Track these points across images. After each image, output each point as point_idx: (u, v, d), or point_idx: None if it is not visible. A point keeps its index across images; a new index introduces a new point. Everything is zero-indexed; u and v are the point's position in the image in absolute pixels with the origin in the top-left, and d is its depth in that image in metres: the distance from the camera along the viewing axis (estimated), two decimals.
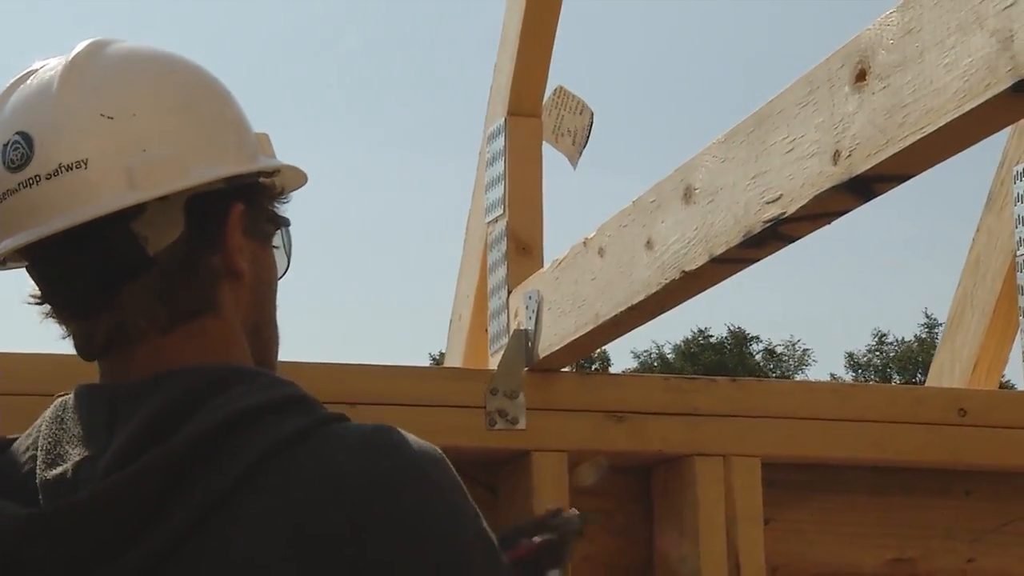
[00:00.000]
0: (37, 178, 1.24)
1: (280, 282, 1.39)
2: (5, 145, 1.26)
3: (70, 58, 1.29)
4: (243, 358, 1.27)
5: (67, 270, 1.26)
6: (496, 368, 2.10)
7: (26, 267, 1.30)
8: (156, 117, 1.26)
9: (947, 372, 2.59)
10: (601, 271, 1.87)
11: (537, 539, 1.57)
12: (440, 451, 1.19)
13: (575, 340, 1.96)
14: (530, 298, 2.12)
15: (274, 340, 1.34)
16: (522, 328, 2.10)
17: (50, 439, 1.22)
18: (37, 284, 1.29)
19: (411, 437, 1.20)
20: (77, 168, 1.24)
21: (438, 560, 1.14)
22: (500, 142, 2.27)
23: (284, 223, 1.38)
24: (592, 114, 2.17)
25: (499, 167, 2.26)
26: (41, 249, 1.27)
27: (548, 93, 2.25)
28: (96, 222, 1.23)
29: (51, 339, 1.33)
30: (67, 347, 1.31)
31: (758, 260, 1.61)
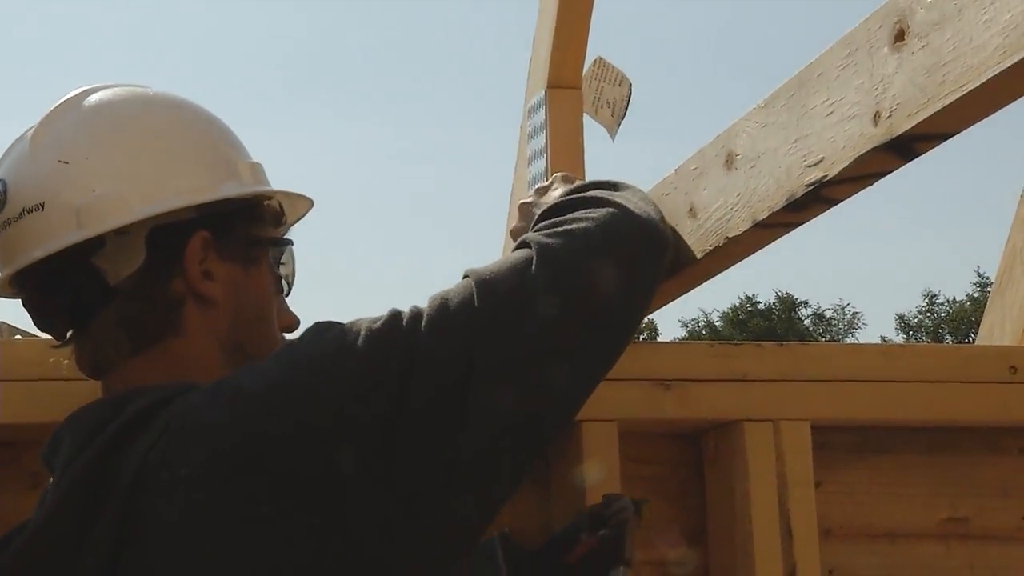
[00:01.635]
0: (8, 222, 1.36)
1: (294, 293, 1.47)
2: None
3: (48, 110, 1.40)
4: (206, 372, 1.33)
5: (42, 305, 1.38)
6: None
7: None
8: (106, 159, 1.35)
9: (997, 330, 2.58)
10: None
11: (595, 536, 1.57)
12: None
13: None
14: None
15: (262, 354, 1.37)
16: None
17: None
18: (27, 313, 1.41)
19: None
20: (36, 211, 1.34)
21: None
22: (541, 115, 2.27)
23: (277, 244, 1.45)
24: (631, 85, 2.18)
25: (540, 140, 2.27)
26: (18, 286, 1.38)
27: (587, 64, 2.25)
28: (58, 261, 1.34)
29: None
30: None
31: (801, 224, 1.61)
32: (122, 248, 1.34)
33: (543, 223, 1.42)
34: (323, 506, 1.14)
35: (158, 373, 1.33)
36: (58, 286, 1.35)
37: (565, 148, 2.27)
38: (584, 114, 2.26)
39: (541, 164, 2.28)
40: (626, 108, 2.21)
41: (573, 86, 2.26)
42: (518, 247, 1.36)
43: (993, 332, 2.58)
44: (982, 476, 2.24)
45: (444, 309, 1.26)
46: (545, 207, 1.50)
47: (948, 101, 1.27)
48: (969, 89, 1.24)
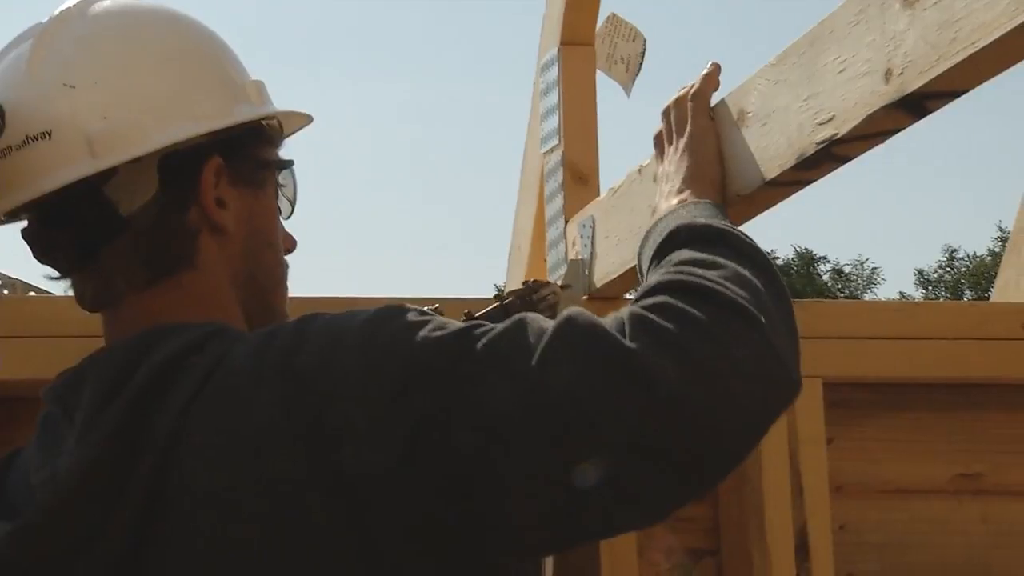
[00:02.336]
0: (9, 149, 1.28)
1: (295, 220, 1.40)
2: None
3: (43, 27, 1.31)
4: (223, 308, 1.29)
5: (47, 237, 1.30)
6: None
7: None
8: (118, 83, 1.28)
9: (1012, 286, 2.57)
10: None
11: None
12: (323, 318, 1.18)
13: (632, 268, 1.97)
14: (584, 226, 2.12)
15: (273, 284, 1.35)
16: (578, 258, 2.11)
17: (35, 445, 1.25)
18: (28, 246, 1.33)
19: (295, 320, 1.20)
20: (42, 139, 1.26)
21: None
22: (554, 72, 2.26)
23: (281, 166, 1.38)
24: (645, 41, 2.16)
25: (553, 97, 2.26)
26: (22, 216, 1.32)
27: (600, 20, 2.24)
28: (67, 190, 1.26)
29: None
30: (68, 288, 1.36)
31: (812, 181, 1.60)
32: (134, 177, 1.27)
33: (666, 289, 1.18)
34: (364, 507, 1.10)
35: (173, 309, 1.28)
36: (65, 218, 1.28)
37: (578, 105, 2.25)
38: (598, 71, 2.25)
39: (554, 121, 2.27)
40: (640, 64, 2.19)
41: (586, 43, 2.25)
42: (643, 313, 1.13)
43: (1008, 288, 2.57)
44: (995, 432, 2.24)
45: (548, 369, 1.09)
46: (663, 233, 1.36)
47: (960, 58, 1.26)
48: (981, 46, 1.23)
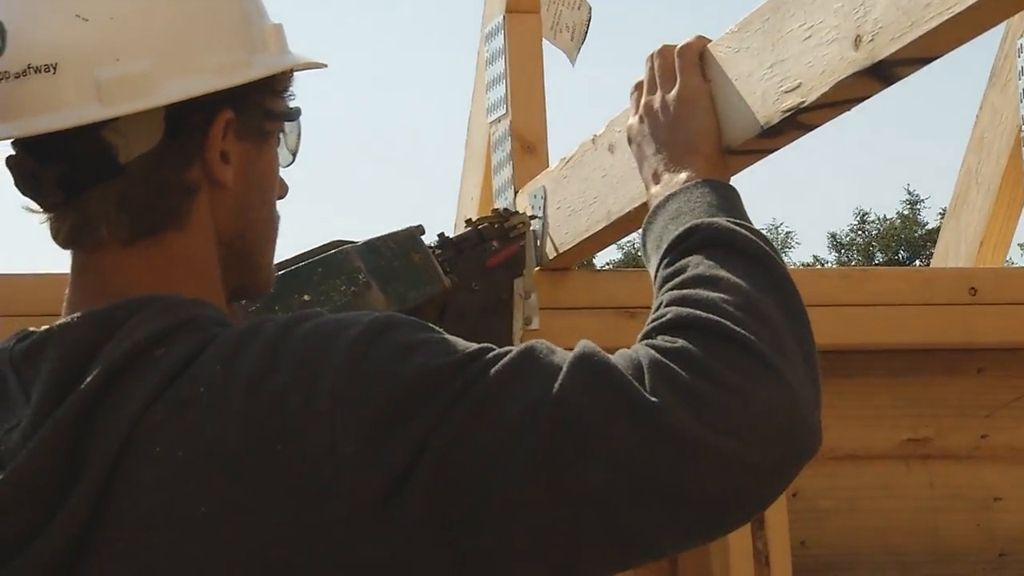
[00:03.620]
0: (7, 75, 1.18)
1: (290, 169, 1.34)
2: None
3: None
4: (203, 274, 1.23)
5: (33, 170, 1.20)
6: None
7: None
8: (135, 22, 1.19)
9: (952, 252, 2.59)
10: (612, 168, 1.85)
11: (506, 248, 1.89)
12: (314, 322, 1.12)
13: (587, 239, 1.95)
14: (536, 197, 2.10)
15: (262, 241, 1.28)
16: (531, 229, 2.09)
17: None
18: (10, 173, 1.23)
19: (283, 318, 1.14)
20: (46, 72, 1.17)
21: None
22: (499, 40, 2.23)
23: (288, 117, 1.30)
24: (590, 9, 2.14)
25: (499, 66, 2.23)
26: (10, 144, 1.22)
27: None
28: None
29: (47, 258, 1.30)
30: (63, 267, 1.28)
31: (775, 150, 1.59)
32: (138, 124, 1.18)
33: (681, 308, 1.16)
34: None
35: (151, 274, 1.19)
36: (58, 153, 1.18)
37: (524, 73, 2.23)
38: (543, 39, 2.22)
39: (500, 90, 2.24)
40: (586, 32, 2.17)
41: (532, 10, 2.22)
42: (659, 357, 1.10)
43: (948, 253, 2.60)
44: (941, 397, 2.27)
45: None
46: (672, 237, 1.30)
47: (933, 24, 1.25)
48: (956, 12, 1.22)
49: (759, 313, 1.15)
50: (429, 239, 1.88)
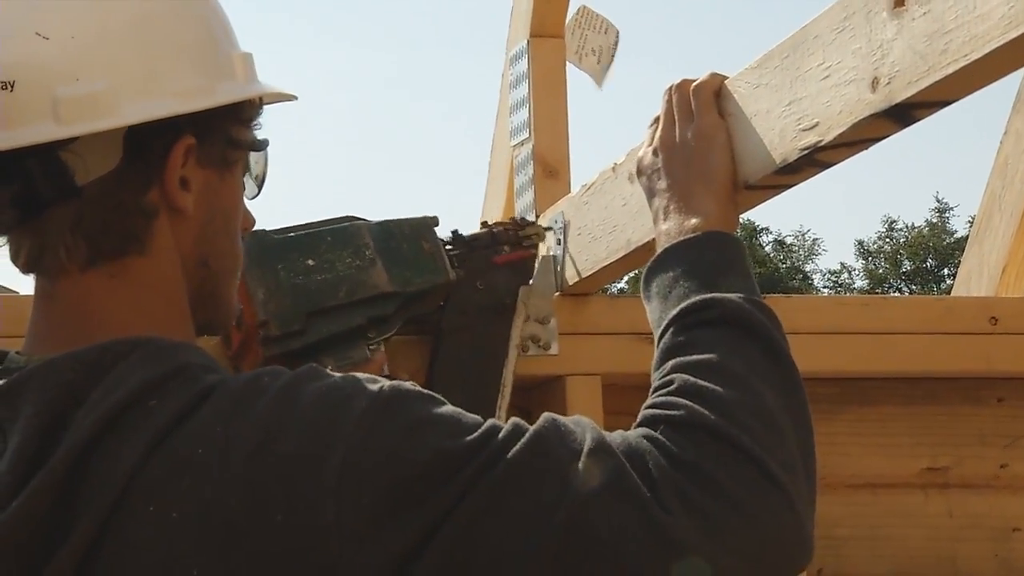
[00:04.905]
0: None
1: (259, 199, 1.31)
2: None
3: None
4: (170, 301, 1.21)
5: None
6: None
7: None
8: (96, 43, 1.16)
9: (975, 277, 2.58)
10: (632, 197, 1.86)
11: (516, 252, 1.94)
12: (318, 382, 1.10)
13: (606, 266, 1.96)
14: (556, 222, 2.11)
15: (225, 271, 1.27)
16: (550, 253, 2.10)
17: None
18: None
19: (284, 376, 1.11)
20: (3, 89, 1.15)
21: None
22: (523, 64, 2.24)
23: (254, 147, 1.28)
24: (617, 33, 2.14)
25: (523, 90, 2.24)
26: None
27: (571, 13, 2.22)
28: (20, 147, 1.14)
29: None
30: None
31: (792, 186, 1.59)
32: (96, 146, 1.15)
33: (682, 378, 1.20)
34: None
35: (120, 302, 1.16)
36: (13, 172, 1.15)
37: (548, 98, 2.23)
38: (568, 63, 2.23)
39: (524, 114, 2.25)
40: (613, 56, 2.18)
41: (556, 35, 2.23)
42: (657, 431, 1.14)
43: (971, 279, 2.59)
44: (961, 426, 2.26)
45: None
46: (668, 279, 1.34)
47: (950, 70, 1.25)
48: (973, 59, 1.22)
49: (771, 421, 1.17)
50: (443, 234, 1.90)
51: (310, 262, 1.74)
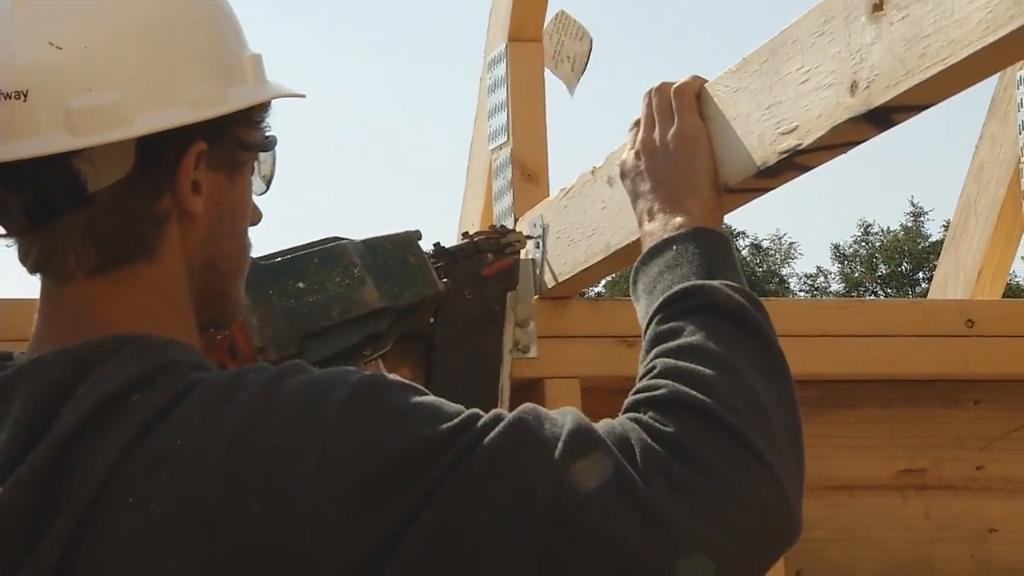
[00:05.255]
0: None
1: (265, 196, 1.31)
2: None
3: None
4: (174, 304, 1.21)
5: (1, 197, 1.18)
6: None
7: None
8: (109, 53, 1.17)
9: (951, 281, 2.60)
10: (611, 200, 1.86)
11: (501, 261, 1.93)
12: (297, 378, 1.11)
13: (585, 269, 1.96)
14: (535, 226, 2.11)
15: (232, 271, 1.27)
16: (529, 257, 2.10)
17: None
18: None
19: (267, 371, 1.12)
20: (16, 99, 1.15)
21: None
22: (501, 68, 2.24)
23: (263, 147, 1.29)
24: (591, 40, 2.15)
25: (501, 94, 2.24)
26: None
27: (548, 18, 2.22)
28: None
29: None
30: None
31: (771, 189, 1.60)
32: (109, 153, 1.16)
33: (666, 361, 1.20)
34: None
35: (123, 307, 1.18)
36: (25, 179, 1.16)
37: (526, 102, 2.24)
38: (545, 68, 2.23)
39: (502, 118, 2.25)
40: (586, 63, 2.18)
41: (534, 39, 2.23)
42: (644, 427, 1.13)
43: (947, 282, 2.61)
44: (938, 428, 2.27)
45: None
46: (657, 268, 1.34)
47: (929, 74, 1.26)
48: (951, 63, 1.23)
49: (754, 399, 1.17)
50: (425, 248, 1.90)
51: (300, 285, 1.75)
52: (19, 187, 1.17)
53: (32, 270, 1.22)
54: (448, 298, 1.89)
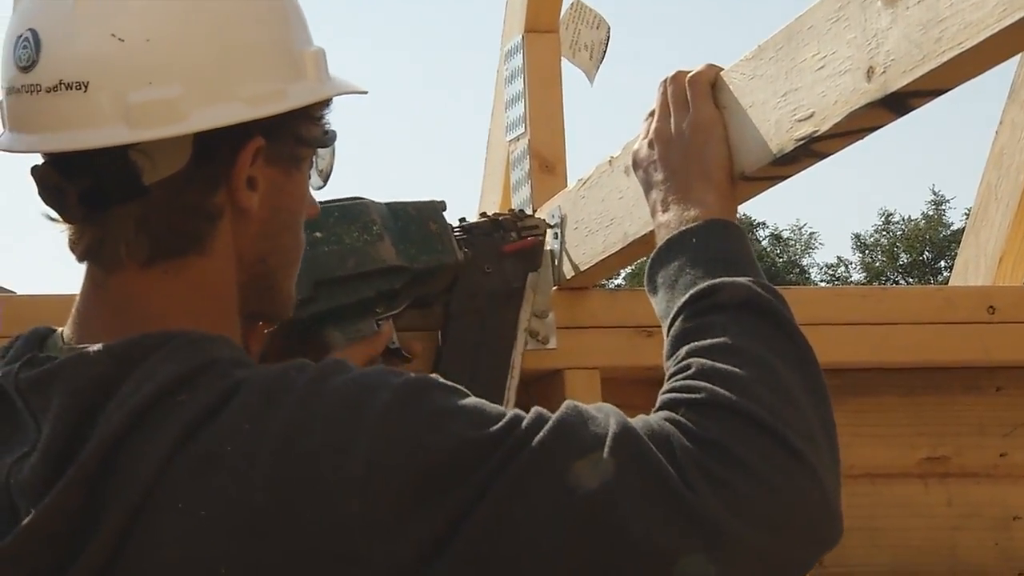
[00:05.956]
0: (38, 87, 1.16)
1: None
2: (18, 38, 1.18)
3: None
4: (219, 299, 1.21)
5: (58, 184, 1.19)
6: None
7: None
8: (170, 47, 1.16)
9: (972, 267, 2.59)
10: (628, 190, 1.86)
11: (523, 240, 1.93)
12: (339, 376, 1.11)
13: (604, 259, 1.96)
14: (553, 216, 2.11)
15: (285, 265, 1.27)
16: (547, 248, 2.10)
17: None
18: (34, 182, 1.22)
19: (309, 369, 1.12)
20: (77, 89, 1.15)
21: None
22: (518, 59, 2.24)
23: (322, 143, 1.28)
24: (609, 28, 2.15)
25: (518, 85, 2.24)
26: (36, 156, 1.20)
27: (564, 7, 2.22)
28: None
29: (54, 281, 1.30)
30: (72, 289, 1.29)
31: (788, 177, 1.59)
32: (166, 147, 1.16)
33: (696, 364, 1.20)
34: None
35: (169, 300, 1.18)
36: (82, 169, 1.16)
37: (543, 93, 2.24)
38: (562, 58, 2.23)
39: (519, 109, 2.25)
40: (604, 51, 2.18)
41: (551, 30, 2.23)
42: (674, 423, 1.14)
43: (968, 269, 2.59)
44: (960, 415, 2.26)
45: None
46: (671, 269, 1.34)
47: (946, 59, 1.25)
48: (968, 47, 1.22)
49: (789, 397, 1.17)
50: (450, 221, 1.91)
51: (317, 234, 1.75)
52: (76, 176, 1.17)
53: (81, 258, 1.22)
54: (467, 269, 1.90)
